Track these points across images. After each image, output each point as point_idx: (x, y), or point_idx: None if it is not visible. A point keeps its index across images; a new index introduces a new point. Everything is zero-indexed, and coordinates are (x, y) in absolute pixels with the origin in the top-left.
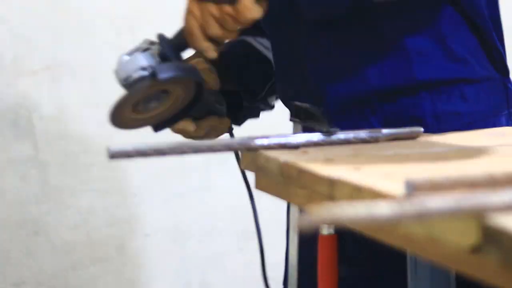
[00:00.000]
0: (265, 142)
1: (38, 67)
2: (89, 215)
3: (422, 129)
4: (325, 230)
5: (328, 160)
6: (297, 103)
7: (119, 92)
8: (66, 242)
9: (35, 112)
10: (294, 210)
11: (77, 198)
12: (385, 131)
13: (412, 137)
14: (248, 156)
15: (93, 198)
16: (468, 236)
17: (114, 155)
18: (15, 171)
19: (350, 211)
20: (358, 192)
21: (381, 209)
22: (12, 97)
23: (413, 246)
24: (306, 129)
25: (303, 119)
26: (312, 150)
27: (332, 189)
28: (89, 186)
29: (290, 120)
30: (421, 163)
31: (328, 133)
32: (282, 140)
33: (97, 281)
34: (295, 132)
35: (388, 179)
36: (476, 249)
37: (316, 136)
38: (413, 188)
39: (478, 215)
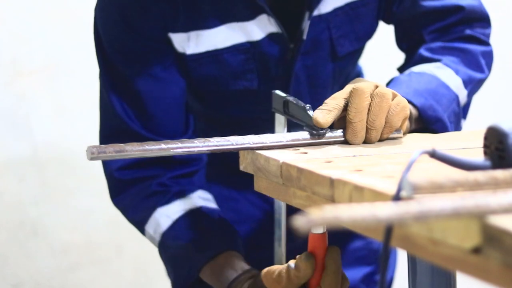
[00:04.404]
0: (263, 142)
1: (36, 68)
2: (88, 216)
3: None
4: (317, 229)
5: (328, 161)
6: (279, 92)
7: None
8: (65, 243)
9: (34, 113)
10: (279, 205)
11: (76, 199)
12: None
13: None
14: (247, 156)
15: (92, 199)
16: (469, 237)
17: (94, 157)
18: (14, 172)
19: (350, 212)
20: (359, 193)
21: (382, 210)
22: (10, 98)
23: (414, 247)
24: (290, 123)
25: (288, 113)
26: (311, 151)
27: (332, 190)
28: (88, 187)
29: (273, 110)
30: (422, 163)
31: (318, 135)
32: (282, 141)
33: (96, 282)
34: (277, 124)
35: (389, 179)
36: (476, 250)
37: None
38: (414, 189)
39: (479, 216)
